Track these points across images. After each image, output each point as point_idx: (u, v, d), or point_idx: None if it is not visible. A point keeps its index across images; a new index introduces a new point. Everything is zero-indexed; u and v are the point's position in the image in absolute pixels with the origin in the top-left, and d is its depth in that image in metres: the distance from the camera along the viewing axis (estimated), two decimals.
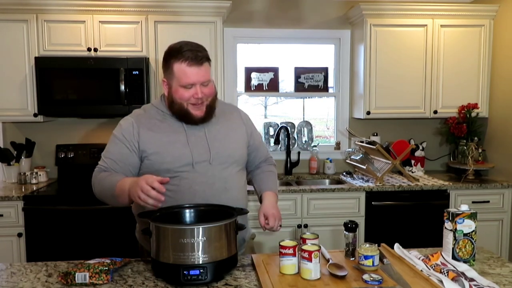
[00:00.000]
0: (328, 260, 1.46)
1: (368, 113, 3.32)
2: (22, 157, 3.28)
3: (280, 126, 3.54)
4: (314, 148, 3.62)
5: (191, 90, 1.57)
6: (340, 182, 3.32)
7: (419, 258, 1.51)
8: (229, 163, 1.68)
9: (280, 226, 1.68)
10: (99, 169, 1.64)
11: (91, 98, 3.02)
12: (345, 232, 1.55)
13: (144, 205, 1.39)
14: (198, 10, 3.07)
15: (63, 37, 3.02)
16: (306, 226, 2.99)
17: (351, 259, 1.53)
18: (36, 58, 2.96)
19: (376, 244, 1.47)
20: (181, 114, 1.62)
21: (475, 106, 3.31)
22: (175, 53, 1.56)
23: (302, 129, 3.67)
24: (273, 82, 3.59)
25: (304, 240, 1.46)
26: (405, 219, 3.06)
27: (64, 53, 3.01)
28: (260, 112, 3.88)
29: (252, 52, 3.62)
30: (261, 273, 1.39)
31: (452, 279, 1.32)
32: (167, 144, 1.61)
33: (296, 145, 3.66)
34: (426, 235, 3.03)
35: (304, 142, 3.66)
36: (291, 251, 1.38)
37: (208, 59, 1.59)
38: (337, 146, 3.69)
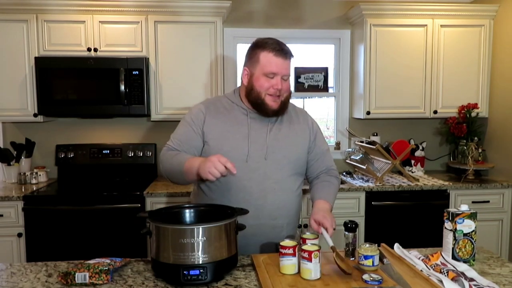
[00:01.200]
0: (333, 249, 1.44)
1: (368, 113, 3.32)
2: (22, 157, 3.28)
3: None
4: None
5: (272, 80, 1.63)
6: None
7: (419, 258, 1.51)
8: (284, 164, 1.68)
9: (334, 229, 1.56)
10: (168, 148, 1.71)
11: (91, 98, 3.02)
12: (345, 232, 1.55)
13: (211, 178, 1.45)
14: (198, 10, 3.07)
15: (63, 37, 3.02)
16: (306, 226, 2.99)
17: (351, 259, 1.53)
18: (36, 58, 2.96)
19: (376, 244, 1.47)
20: (257, 104, 1.67)
21: (475, 106, 3.31)
22: (262, 44, 1.66)
23: None
24: None
25: (304, 240, 1.46)
26: (405, 219, 3.06)
27: (64, 53, 3.01)
28: None
29: None
30: (261, 273, 1.39)
31: (452, 279, 1.32)
32: (227, 133, 1.66)
33: None
34: (426, 235, 3.03)
35: None
36: (291, 251, 1.38)
37: (292, 56, 1.68)
38: (337, 146, 3.69)
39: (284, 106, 1.69)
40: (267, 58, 1.63)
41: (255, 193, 1.63)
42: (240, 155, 1.64)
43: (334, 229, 1.58)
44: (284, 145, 1.69)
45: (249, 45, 1.75)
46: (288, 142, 1.71)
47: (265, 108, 1.66)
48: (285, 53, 1.64)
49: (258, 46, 1.66)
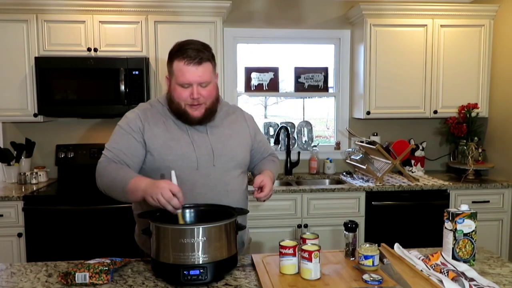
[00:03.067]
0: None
1: (368, 113, 3.32)
2: (22, 157, 3.28)
3: (280, 126, 3.54)
4: (314, 148, 3.62)
5: (188, 89, 1.55)
6: (340, 182, 3.32)
7: (419, 258, 1.51)
8: (232, 166, 1.66)
9: (264, 201, 1.65)
10: (107, 160, 1.56)
11: (91, 98, 3.02)
12: (345, 232, 1.55)
13: (156, 206, 1.38)
14: (198, 10, 3.07)
15: (63, 37, 3.02)
16: (306, 226, 2.99)
17: (351, 259, 1.53)
18: (36, 58, 2.96)
19: (376, 244, 1.47)
20: (179, 113, 1.60)
21: (475, 106, 3.31)
22: (177, 50, 1.56)
23: (302, 129, 3.67)
24: (273, 82, 3.59)
25: (304, 240, 1.46)
26: (405, 219, 3.06)
27: (64, 53, 3.01)
28: (260, 112, 3.88)
29: (252, 52, 3.62)
30: (261, 273, 1.39)
31: (452, 279, 1.32)
32: (171, 141, 1.59)
33: (296, 145, 3.66)
34: (426, 235, 3.03)
35: (304, 142, 3.66)
36: (291, 251, 1.38)
37: (209, 60, 1.57)
38: (337, 146, 3.69)
39: (210, 113, 1.61)
40: (179, 68, 1.54)
41: (209, 199, 1.59)
42: (189, 163, 1.57)
43: (264, 200, 1.64)
44: (229, 147, 1.66)
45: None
46: (233, 143, 1.68)
47: (188, 117, 1.59)
48: (199, 60, 1.52)
49: (172, 54, 1.58)
